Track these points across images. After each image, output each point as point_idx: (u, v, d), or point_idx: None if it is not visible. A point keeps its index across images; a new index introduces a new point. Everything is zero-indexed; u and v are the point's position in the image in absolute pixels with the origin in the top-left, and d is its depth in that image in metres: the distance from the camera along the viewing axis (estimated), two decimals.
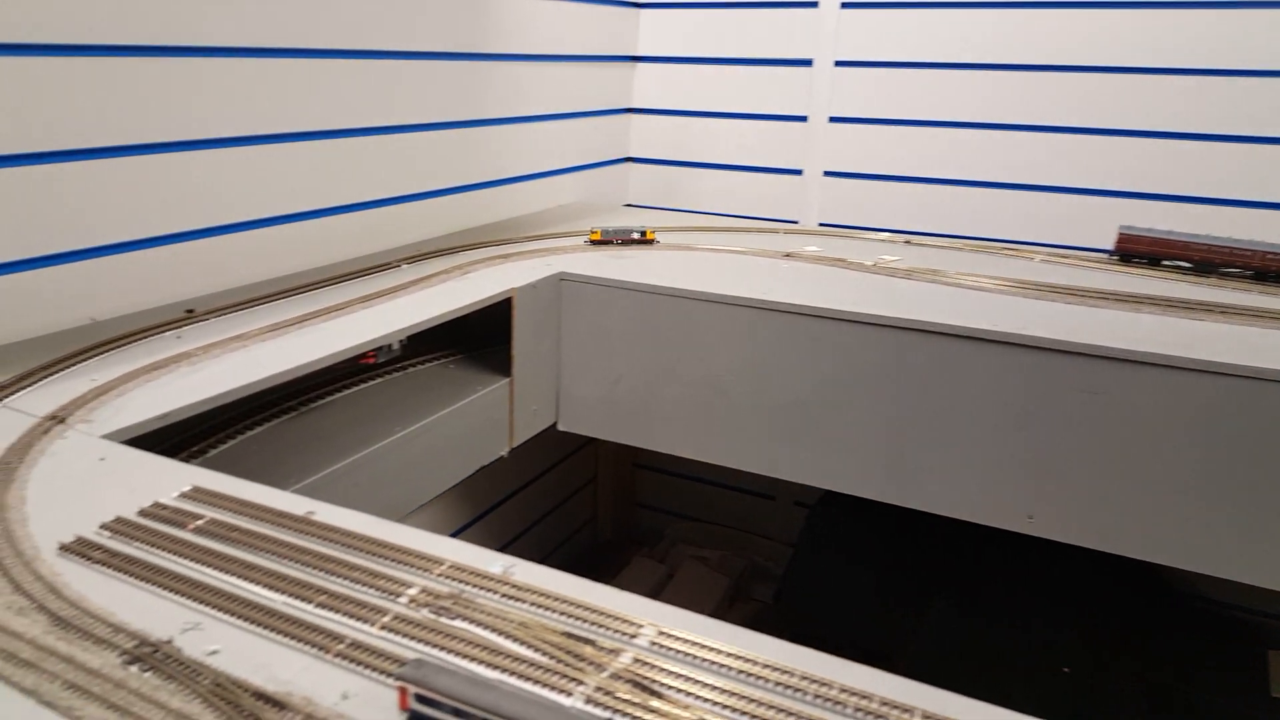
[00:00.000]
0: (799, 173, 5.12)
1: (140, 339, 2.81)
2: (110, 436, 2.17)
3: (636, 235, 3.92)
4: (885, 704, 1.33)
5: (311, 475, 2.74)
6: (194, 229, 3.31)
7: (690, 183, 5.43)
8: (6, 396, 2.36)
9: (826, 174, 5.07)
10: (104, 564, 1.63)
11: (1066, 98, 4.59)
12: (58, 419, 2.23)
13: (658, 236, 4.19)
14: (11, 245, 2.76)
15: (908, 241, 4.28)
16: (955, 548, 4.34)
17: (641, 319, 3.59)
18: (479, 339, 3.99)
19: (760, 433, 3.42)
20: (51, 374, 2.52)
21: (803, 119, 5.07)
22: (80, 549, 1.68)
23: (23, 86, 2.72)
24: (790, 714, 1.30)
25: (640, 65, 5.48)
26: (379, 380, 3.56)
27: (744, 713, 1.30)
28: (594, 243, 4.02)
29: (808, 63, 5.01)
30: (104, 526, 1.76)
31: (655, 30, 5.43)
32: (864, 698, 1.34)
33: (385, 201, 4.14)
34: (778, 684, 1.36)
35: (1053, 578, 4.10)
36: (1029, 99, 4.68)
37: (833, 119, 5.04)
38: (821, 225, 5.07)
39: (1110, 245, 4.05)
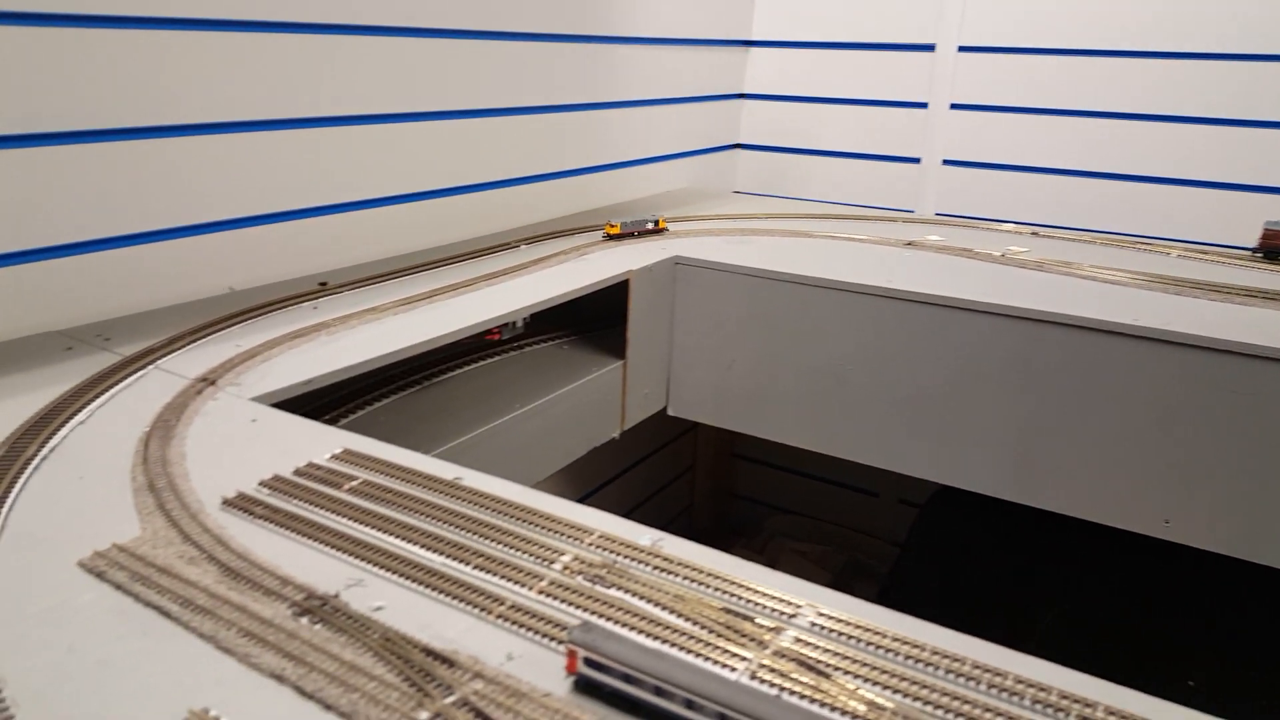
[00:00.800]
0: (916, 161, 4.99)
1: (279, 309, 2.89)
2: (258, 399, 2.24)
3: (650, 225, 3.85)
4: (1064, 697, 1.27)
5: (437, 447, 2.79)
6: (326, 204, 3.40)
7: (800, 170, 5.34)
8: (158, 359, 2.45)
9: (946, 162, 4.93)
10: (266, 519, 1.68)
11: (1209, 87, 4.36)
12: (208, 381, 2.31)
13: (760, 227, 4.13)
14: (155, 215, 2.88)
15: (1035, 233, 4.13)
16: (1073, 555, 4.18)
17: (758, 304, 3.55)
18: (590, 321, 4.01)
19: (880, 424, 3.35)
20: (198, 339, 2.61)
21: (923, 105, 4.93)
22: (242, 504, 1.73)
23: (172, 60, 2.82)
24: (964, 701, 1.25)
25: (753, 50, 5.41)
26: (495, 359, 3.60)
27: (916, 698, 1.26)
28: (611, 236, 3.78)
29: (930, 47, 4.88)
30: (263, 484, 1.81)
31: (770, 14, 5.36)
32: (1042, 689, 1.28)
33: (504, 183, 4.18)
34: (949, 671, 1.32)
35: (1181, 589, 3.91)
36: (1167, 88, 4.46)
37: (954, 105, 4.89)
38: (939, 215, 4.93)
39: (1253, 242, 3.84)
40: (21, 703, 1.20)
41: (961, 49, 4.84)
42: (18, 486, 1.77)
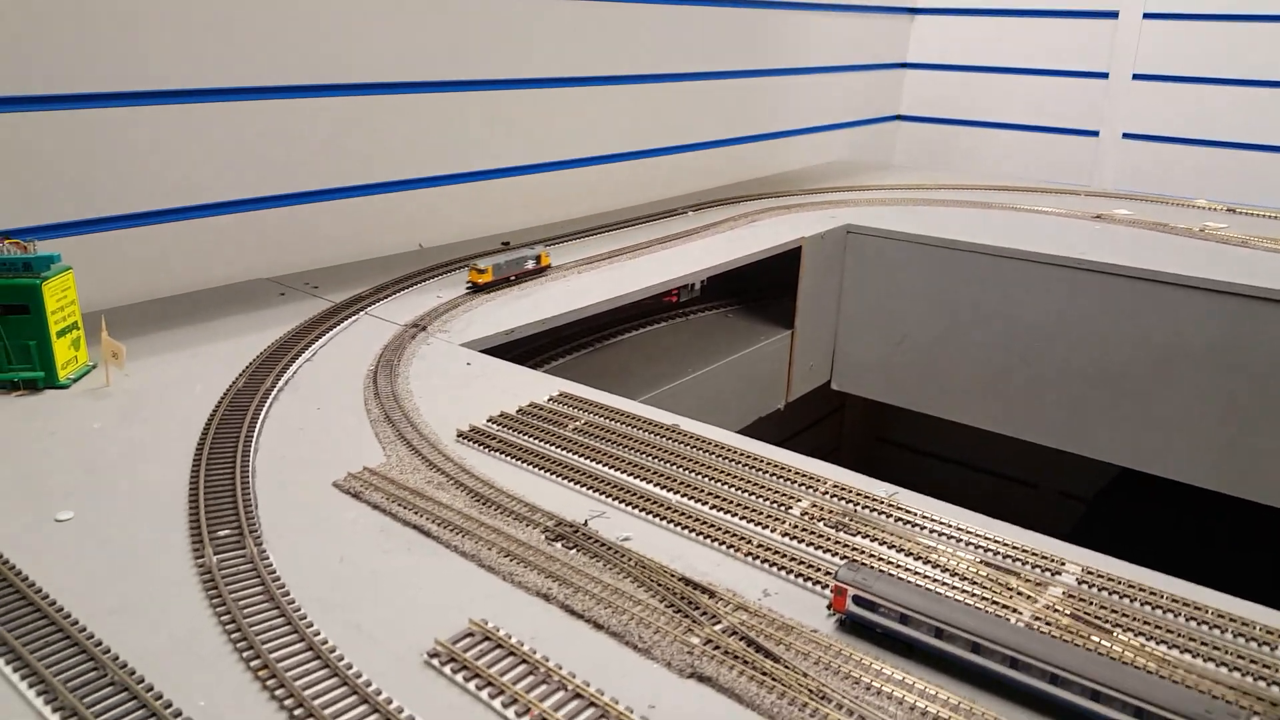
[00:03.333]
0: (1094, 134, 4.74)
1: (469, 264, 2.97)
2: (468, 345, 2.31)
3: (531, 264, 2.78)
4: None
5: None
6: (508, 166, 3.47)
7: (964, 143, 5.16)
8: (367, 306, 2.55)
9: (1126, 136, 4.67)
10: (501, 451, 1.72)
11: None
12: (419, 327, 2.38)
13: (932, 197, 3.96)
14: (351, 171, 2.99)
15: (1231, 210, 3.87)
16: (1254, 563, 3.91)
17: (934, 275, 3.44)
18: (756, 290, 3.97)
19: (1068, 405, 3.19)
20: (401, 289, 2.71)
21: (1103, 75, 4.69)
22: (476, 437, 1.78)
23: (362, 20, 2.92)
24: (1262, 664, 1.17)
25: (918, 17, 5.25)
26: (663, 324, 3.62)
27: (1209, 659, 1.19)
28: (478, 287, 2.66)
29: (1113, 14, 4.62)
30: (491, 420, 1.86)
31: None
32: None
33: (668, 150, 4.18)
34: (1238, 634, 1.24)
35: None
36: None
37: (1137, 76, 4.63)
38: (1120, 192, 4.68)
39: None
40: (309, 610, 1.26)
41: (1147, 16, 4.57)
42: (263, 414, 1.87)
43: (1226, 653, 1.19)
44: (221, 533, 1.43)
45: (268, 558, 1.37)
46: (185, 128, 2.55)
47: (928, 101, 5.15)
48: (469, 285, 2.67)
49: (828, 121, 5.00)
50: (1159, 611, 1.28)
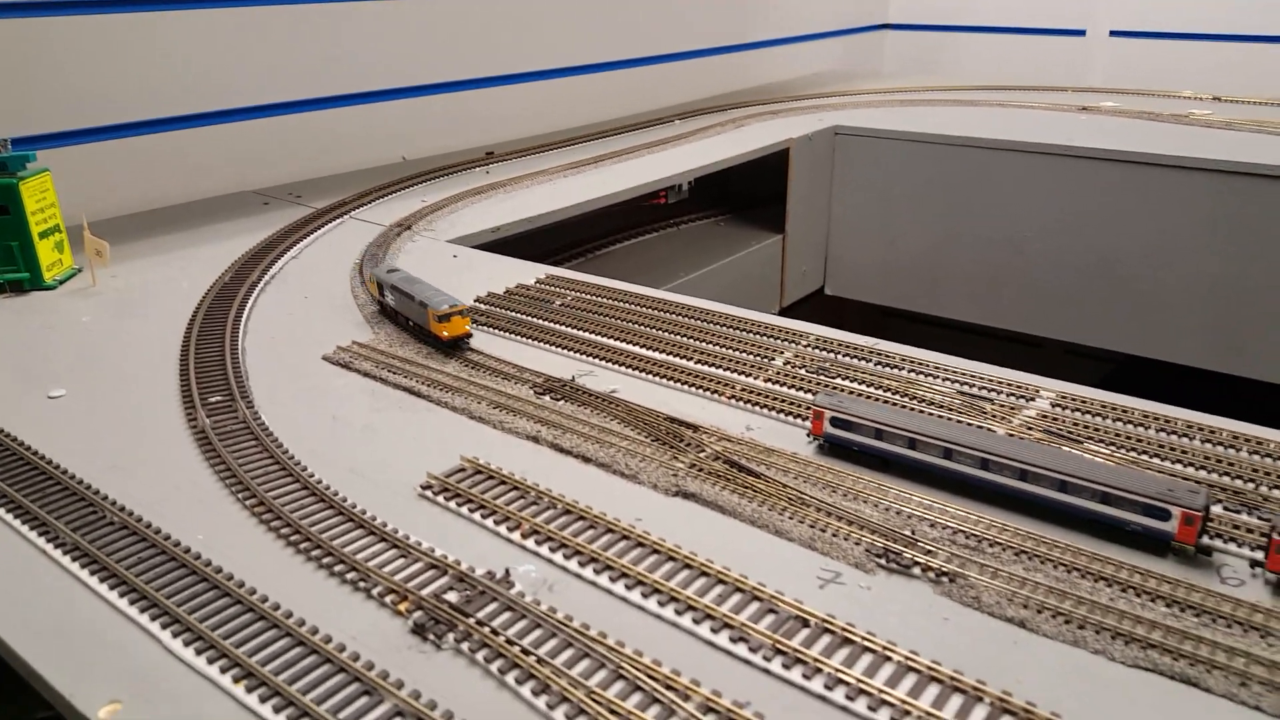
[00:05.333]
0: (1081, 33, 4.69)
1: (452, 173, 2.96)
2: (454, 241, 2.32)
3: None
4: None
5: None
6: (490, 76, 3.44)
7: (952, 48, 5.10)
8: (350, 211, 2.55)
9: (1113, 33, 4.62)
10: (490, 325, 1.74)
11: None
12: (405, 226, 2.39)
13: (921, 98, 3.90)
14: (332, 81, 2.96)
15: (1216, 99, 3.85)
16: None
17: (925, 173, 3.41)
18: (746, 199, 3.95)
19: (1063, 295, 3.19)
20: (385, 195, 2.71)
21: None
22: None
23: None
24: (1226, 463, 1.21)
25: None
26: (655, 234, 3.61)
27: (1177, 460, 1.22)
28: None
29: None
30: (479, 300, 1.88)
31: None
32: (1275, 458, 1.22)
33: (654, 60, 4.14)
34: (1205, 440, 1.27)
35: None
36: None
37: None
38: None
39: None
40: (304, 459, 1.29)
41: None
42: (250, 302, 1.88)
43: (1195, 455, 1.22)
44: (213, 399, 1.45)
45: (260, 419, 1.40)
46: (169, 40, 2.53)
47: (915, 8, 5.08)
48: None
49: (815, 30, 4.93)
50: (1130, 425, 1.31)
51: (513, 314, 1.79)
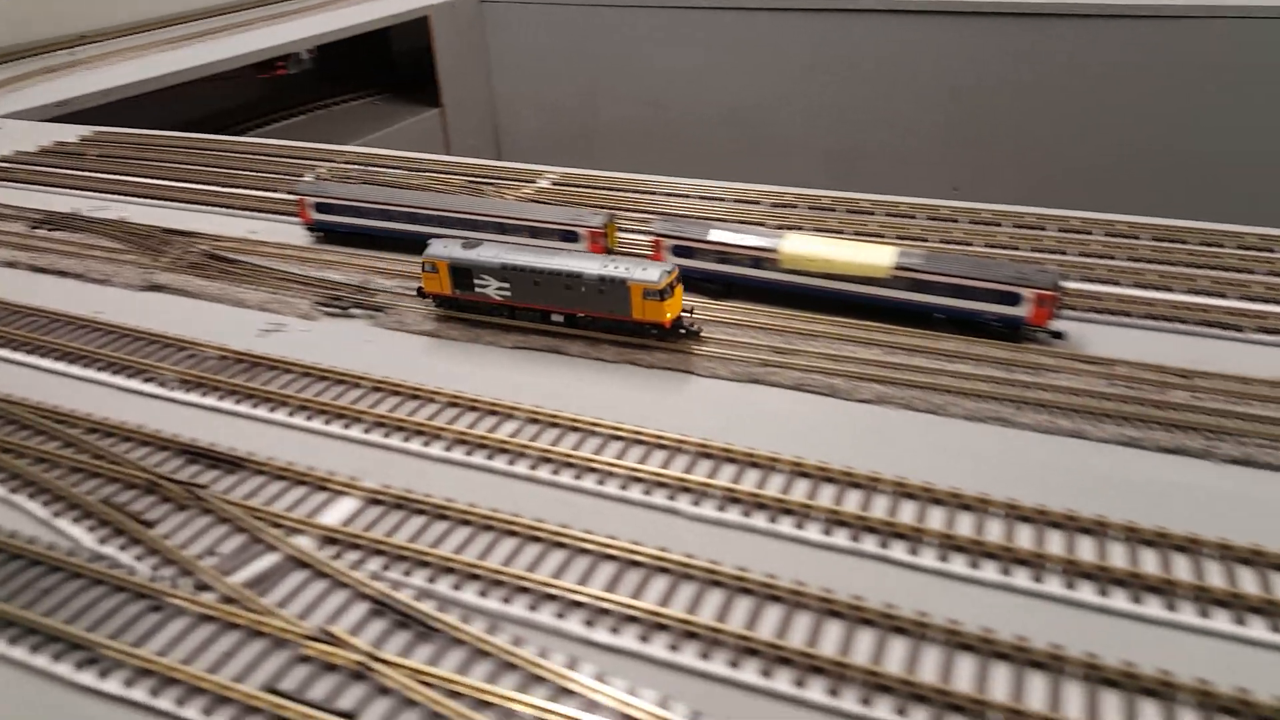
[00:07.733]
0: None
1: (33, 56, 2.68)
2: (8, 116, 2.11)
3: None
4: None
5: None
6: None
7: None
8: None
9: None
10: (8, 179, 1.62)
11: None
12: None
13: None
14: None
15: None
16: None
17: (574, 39, 3.46)
18: (405, 79, 3.85)
19: (701, 144, 3.36)
20: None
21: None
22: None
23: None
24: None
25: None
26: (304, 116, 3.45)
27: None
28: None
29: None
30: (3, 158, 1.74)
31: None
32: None
33: None
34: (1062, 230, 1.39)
35: None
36: None
37: None
38: None
39: None
40: None
41: None
42: None
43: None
44: None
45: None
46: None
47: None
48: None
49: None
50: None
51: (37, 167, 1.67)
